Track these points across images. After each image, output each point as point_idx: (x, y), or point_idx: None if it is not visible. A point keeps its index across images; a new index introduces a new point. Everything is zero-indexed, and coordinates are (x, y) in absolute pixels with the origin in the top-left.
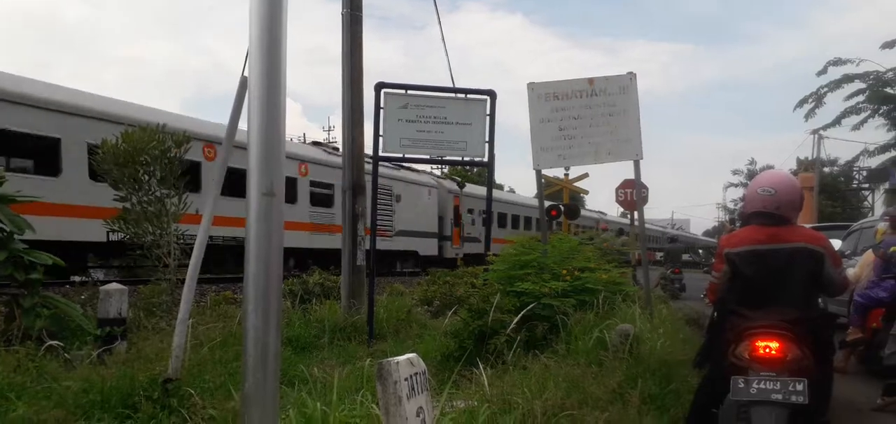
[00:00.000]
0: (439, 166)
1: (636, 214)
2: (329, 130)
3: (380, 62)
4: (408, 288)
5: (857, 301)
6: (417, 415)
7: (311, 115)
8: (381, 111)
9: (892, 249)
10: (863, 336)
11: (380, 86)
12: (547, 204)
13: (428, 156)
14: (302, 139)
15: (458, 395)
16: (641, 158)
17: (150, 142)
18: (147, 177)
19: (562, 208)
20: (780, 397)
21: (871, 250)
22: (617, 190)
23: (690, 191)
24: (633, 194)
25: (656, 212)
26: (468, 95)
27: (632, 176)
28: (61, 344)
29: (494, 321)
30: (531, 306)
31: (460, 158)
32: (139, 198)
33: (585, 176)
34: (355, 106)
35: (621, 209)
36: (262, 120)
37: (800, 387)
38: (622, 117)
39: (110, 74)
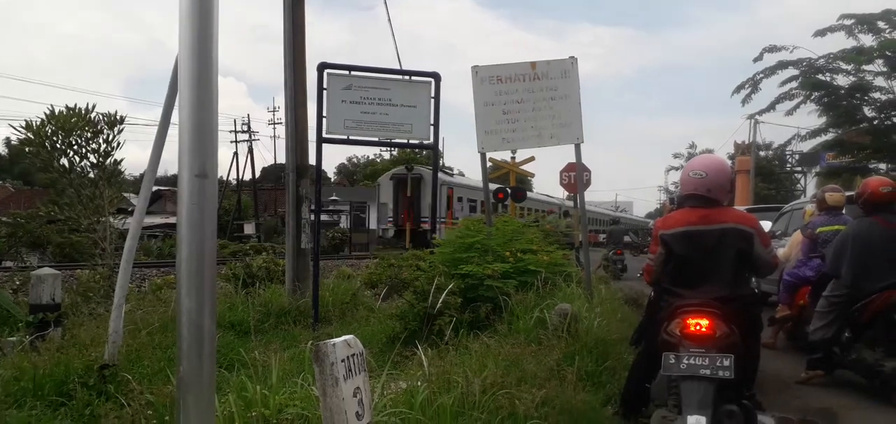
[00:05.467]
0: (387, 149)
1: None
2: (274, 111)
3: (325, 41)
4: (355, 271)
5: (786, 279)
6: (354, 396)
7: (255, 96)
8: (325, 92)
9: (819, 230)
10: (791, 313)
11: (323, 67)
12: (494, 187)
13: (375, 139)
14: (246, 119)
15: (399, 376)
16: (582, 142)
17: (80, 123)
18: (79, 159)
19: (508, 191)
20: (707, 372)
21: (799, 231)
22: (561, 173)
23: (634, 174)
24: (575, 177)
25: (600, 194)
26: (412, 77)
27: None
28: None
29: (441, 303)
30: (474, 287)
31: (406, 141)
32: (70, 179)
33: (532, 159)
34: (298, 86)
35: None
36: (194, 100)
37: (726, 363)
38: (564, 101)
39: (39, 50)
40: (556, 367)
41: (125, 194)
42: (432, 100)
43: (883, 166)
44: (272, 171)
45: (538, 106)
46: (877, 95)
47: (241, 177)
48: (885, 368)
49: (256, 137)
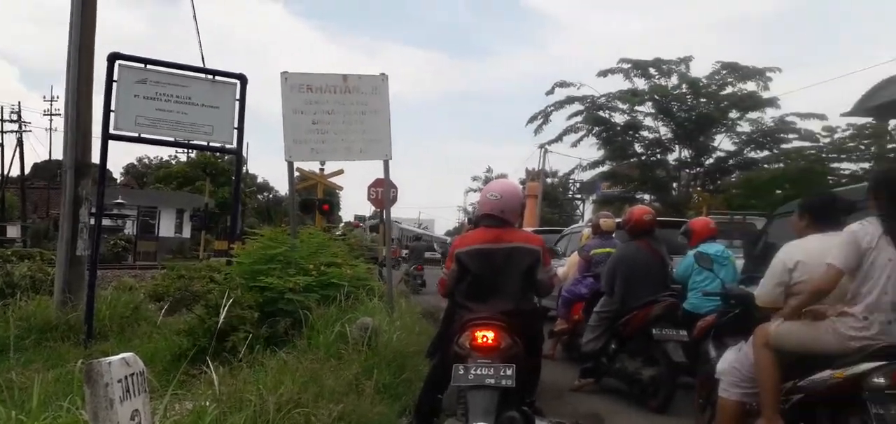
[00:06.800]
0: (185, 150)
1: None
2: (51, 101)
3: (120, 32)
4: (140, 283)
5: (564, 296)
6: (132, 419)
7: (29, 82)
8: (115, 84)
9: (593, 252)
10: (567, 326)
11: (114, 57)
12: (319, 199)
13: (172, 139)
14: (15, 107)
15: (185, 396)
16: (390, 158)
17: None
18: None
19: (317, 203)
20: (492, 381)
21: (577, 252)
22: (369, 188)
23: (437, 193)
24: (383, 193)
25: (405, 211)
26: (216, 77)
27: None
28: None
29: (233, 317)
30: (274, 301)
31: (206, 143)
32: None
33: (340, 172)
34: (83, 75)
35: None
36: None
37: (509, 372)
38: (374, 117)
39: None
40: (354, 381)
41: None
42: (237, 103)
43: (647, 196)
44: (46, 168)
45: (349, 119)
46: (646, 134)
47: (6, 173)
48: (643, 376)
49: (28, 128)
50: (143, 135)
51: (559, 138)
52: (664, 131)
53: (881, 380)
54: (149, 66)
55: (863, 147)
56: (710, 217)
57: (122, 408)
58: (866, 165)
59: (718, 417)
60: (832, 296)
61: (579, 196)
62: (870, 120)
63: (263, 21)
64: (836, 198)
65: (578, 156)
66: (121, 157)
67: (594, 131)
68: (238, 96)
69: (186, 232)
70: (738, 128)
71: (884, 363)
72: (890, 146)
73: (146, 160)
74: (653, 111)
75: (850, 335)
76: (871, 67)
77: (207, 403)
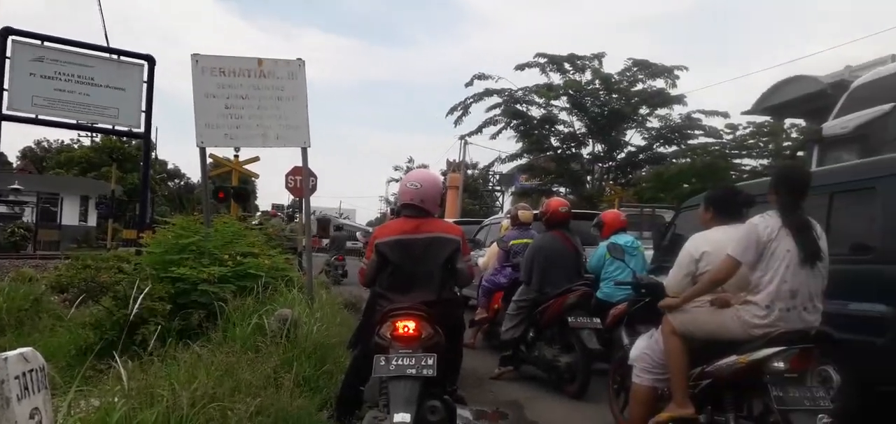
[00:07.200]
0: (89, 134)
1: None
2: None
3: (15, 8)
4: (41, 273)
5: (484, 285)
6: (32, 418)
7: None
8: (8, 61)
9: (512, 243)
10: (488, 315)
11: (6, 32)
12: (234, 187)
13: (73, 121)
14: None
15: (91, 392)
16: (309, 146)
17: None
18: None
19: (231, 191)
20: (413, 371)
21: (496, 243)
22: (287, 176)
23: (358, 182)
24: (301, 181)
25: (326, 200)
26: (122, 57)
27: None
28: None
29: (144, 309)
30: (187, 292)
31: (111, 126)
32: None
33: (256, 159)
34: None
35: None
36: None
37: (430, 362)
38: (291, 103)
39: None
40: (273, 374)
41: None
42: (144, 85)
43: (563, 189)
44: None
45: (264, 104)
46: (561, 128)
47: None
48: (560, 363)
49: None
50: (40, 117)
51: (479, 130)
52: (578, 126)
53: (780, 365)
54: (47, 43)
55: (762, 144)
56: (621, 209)
57: (21, 407)
58: (765, 161)
59: (632, 401)
60: (736, 286)
61: (499, 188)
62: (768, 118)
63: (176, 1)
64: (738, 192)
65: (498, 149)
66: (17, 139)
67: (512, 124)
68: (146, 78)
69: (92, 221)
70: (648, 124)
71: (783, 348)
72: (786, 143)
73: (46, 143)
74: (567, 106)
75: (753, 322)
76: (770, 68)
77: (116, 399)
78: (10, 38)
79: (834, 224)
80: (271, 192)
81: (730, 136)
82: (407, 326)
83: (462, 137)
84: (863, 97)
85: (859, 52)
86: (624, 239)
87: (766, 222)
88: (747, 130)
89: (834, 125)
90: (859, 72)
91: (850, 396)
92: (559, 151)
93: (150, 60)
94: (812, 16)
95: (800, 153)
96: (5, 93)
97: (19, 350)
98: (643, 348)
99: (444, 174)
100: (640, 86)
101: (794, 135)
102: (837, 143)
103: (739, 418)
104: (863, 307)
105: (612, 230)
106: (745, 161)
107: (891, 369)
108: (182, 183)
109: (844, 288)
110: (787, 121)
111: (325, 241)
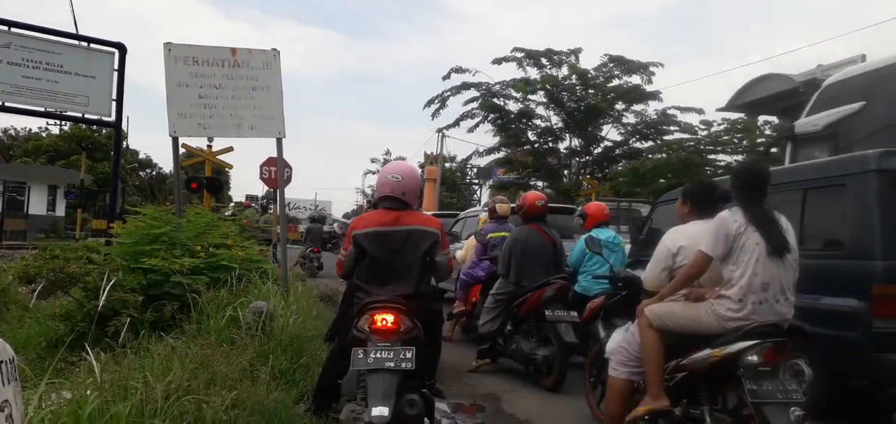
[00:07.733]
0: (57, 122)
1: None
2: None
3: None
4: (8, 264)
5: (462, 278)
6: (1, 411)
7: None
8: None
9: (489, 236)
10: (465, 308)
11: None
12: (207, 178)
13: (42, 109)
14: None
15: (63, 385)
16: (284, 136)
17: None
18: None
19: (204, 181)
20: (392, 364)
21: (474, 236)
22: (261, 167)
23: (334, 174)
24: (276, 172)
25: (301, 191)
26: (92, 45)
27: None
28: None
29: (115, 300)
30: (159, 284)
31: (81, 114)
32: None
33: (230, 149)
34: None
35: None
36: None
37: (408, 355)
38: (265, 93)
39: None
40: (248, 367)
41: None
42: (115, 73)
43: (540, 183)
44: None
45: (238, 94)
46: (538, 122)
47: None
48: (537, 356)
49: None
50: (7, 104)
51: (456, 123)
52: (555, 120)
53: (754, 358)
54: (14, 29)
55: (736, 140)
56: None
57: None
58: (739, 157)
59: (608, 394)
60: (711, 280)
61: (476, 181)
62: (741, 115)
63: None
64: (715, 187)
65: (476, 142)
66: None
67: (489, 118)
68: (116, 66)
69: (61, 211)
70: (624, 120)
71: (756, 342)
72: (759, 140)
73: (13, 131)
74: (544, 100)
75: (727, 316)
76: (743, 66)
77: (88, 392)
78: None
79: (807, 220)
80: (245, 183)
81: (704, 132)
82: (385, 319)
83: (439, 130)
84: (833, 96)
85: (832, 50)
86: (605, 233)
87: (734, 216)
88: (722, 127)
89: (806, 123)
90: (830, 71)
91: (821, 389)
92: (536, 145)
93: (122, 48)
94: (787, 15)
95: (773, 149)
96: None
97: None
98: (619, 341)
99: (421, 166)
100: (616, 82)
101: (767, 131)
102: (809, 141)
103: (714, 411)
104: (834, 302)
105: (596, 222)
106: (720, 157)
107: (861, 363)
108: (154, 173)
109: (817, 283)
110: (761, 118)
111: (301, 229)
